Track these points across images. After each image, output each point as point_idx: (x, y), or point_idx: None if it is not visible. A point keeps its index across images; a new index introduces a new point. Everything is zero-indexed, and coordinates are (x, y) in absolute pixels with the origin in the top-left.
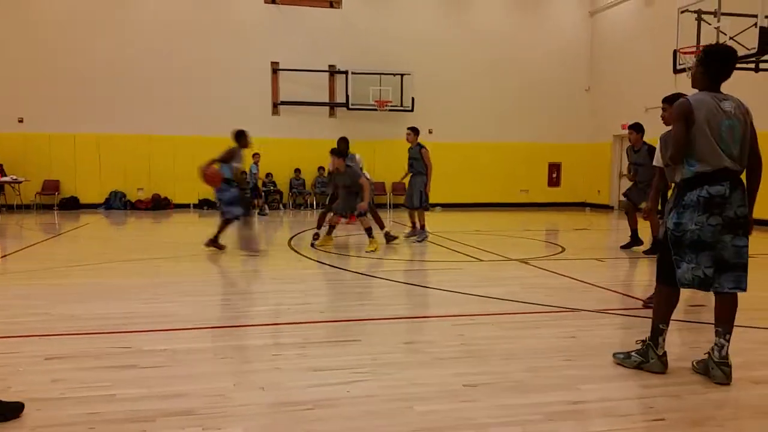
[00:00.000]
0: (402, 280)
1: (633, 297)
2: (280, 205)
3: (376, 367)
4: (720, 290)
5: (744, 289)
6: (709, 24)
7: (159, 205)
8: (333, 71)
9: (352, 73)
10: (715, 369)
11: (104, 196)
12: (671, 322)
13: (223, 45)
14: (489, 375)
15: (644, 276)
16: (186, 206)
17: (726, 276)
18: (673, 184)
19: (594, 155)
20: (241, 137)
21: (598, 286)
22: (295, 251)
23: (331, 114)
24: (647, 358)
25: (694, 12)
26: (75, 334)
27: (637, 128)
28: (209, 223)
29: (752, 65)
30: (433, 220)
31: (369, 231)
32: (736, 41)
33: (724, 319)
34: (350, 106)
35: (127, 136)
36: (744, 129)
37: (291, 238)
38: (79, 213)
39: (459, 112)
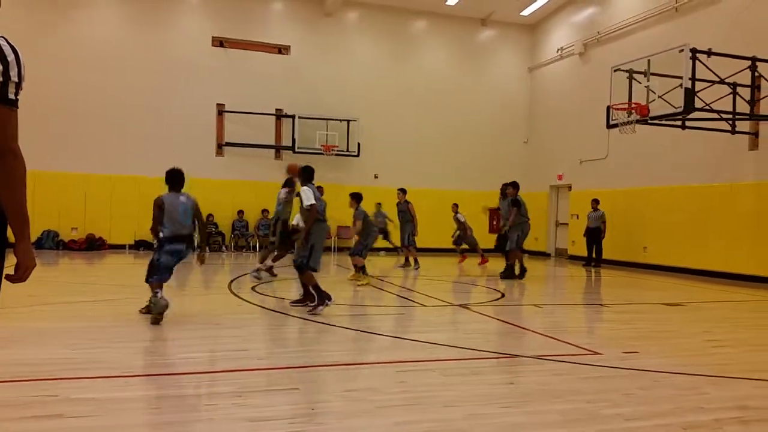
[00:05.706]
0: (344, 325)
1: (569, 343)
2: (222, 247)
3: (314, 416)
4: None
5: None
6: (640, 83)
7: (93, 245)
8: (280, 115)
9: (299, 117)
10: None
11: (36, 235)
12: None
13: (168, 85)
14: (430, 423)
15: (580, 322)
16: (121, 247)
17: None
18: None
19: (532, 204)
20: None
21: (536, 332)
22: (235, 295)
23: (277, 156)
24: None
25: (626, 71)
26: None
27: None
28: (144, 264)
29: (679, 122)
30: (376, 265)
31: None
32: (664, 100)
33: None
34: (296, 150)
35: (64, 174)
36: (194, 210)
37: (231, 282)
38: (7, 253)
39: (404, 159)
